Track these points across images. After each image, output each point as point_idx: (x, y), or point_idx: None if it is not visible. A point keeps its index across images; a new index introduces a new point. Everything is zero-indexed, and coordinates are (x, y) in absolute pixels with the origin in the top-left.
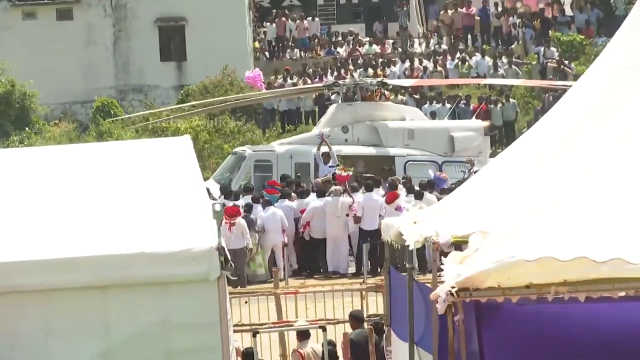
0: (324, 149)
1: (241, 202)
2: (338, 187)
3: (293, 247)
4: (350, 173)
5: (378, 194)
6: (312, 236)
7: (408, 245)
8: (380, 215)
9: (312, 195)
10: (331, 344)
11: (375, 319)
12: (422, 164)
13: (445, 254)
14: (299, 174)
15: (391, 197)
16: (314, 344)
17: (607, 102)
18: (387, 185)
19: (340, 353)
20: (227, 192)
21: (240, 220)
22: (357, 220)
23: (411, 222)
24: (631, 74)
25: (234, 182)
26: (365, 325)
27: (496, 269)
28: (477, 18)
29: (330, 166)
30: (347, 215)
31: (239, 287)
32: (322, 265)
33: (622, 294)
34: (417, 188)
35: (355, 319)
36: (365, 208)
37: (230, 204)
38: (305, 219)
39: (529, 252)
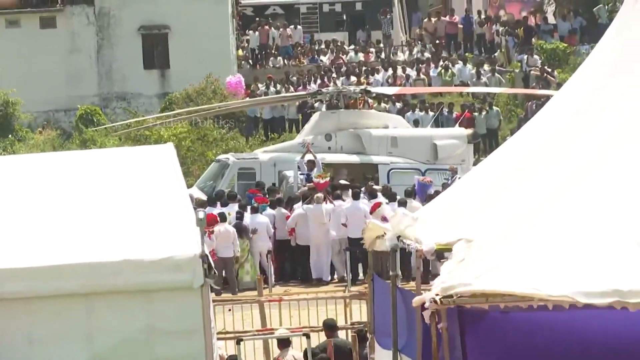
0: (309, 157)
1: (226, 209)
2: (319, 195)
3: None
4: (328, 179)
5: (364, 202)
6: (297, 243)
7: (392, 252)
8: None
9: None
10: (324, 351)
11: (359, 327)
12: (405, 171)
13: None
14: (273, 183)
15: (374, 207)
16: (295, 352)
17: (591, 109)
18: (367, 194)
19: None
20: (212, 199)
21: (228, 228)
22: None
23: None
24: (614, 81)
25: (217, 189)
26: (349, 332)
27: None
28: (460, 26)
29: (307, 174)
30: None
31: (230, 294)
32: (305, 273)
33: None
34: (399, 196)
35: (329, 327)
36: (350, 216)
37: (215, 211)
38: (289, 225)
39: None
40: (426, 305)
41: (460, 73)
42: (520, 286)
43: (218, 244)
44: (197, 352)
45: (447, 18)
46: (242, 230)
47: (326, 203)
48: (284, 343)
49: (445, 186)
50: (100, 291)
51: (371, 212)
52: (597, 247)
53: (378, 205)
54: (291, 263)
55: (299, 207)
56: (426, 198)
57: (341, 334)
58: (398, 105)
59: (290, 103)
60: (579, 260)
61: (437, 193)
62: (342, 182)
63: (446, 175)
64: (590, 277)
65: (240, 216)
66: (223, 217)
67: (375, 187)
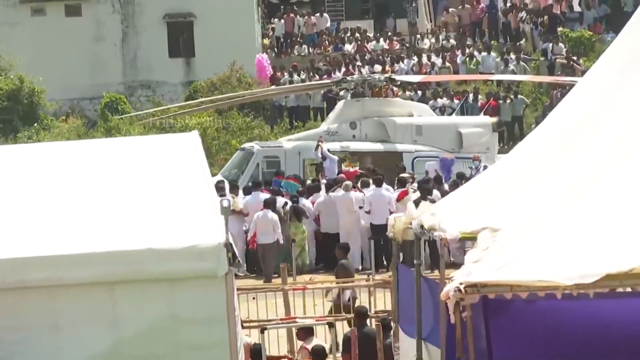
0: (323, 151)
1: (250, 198)
2: (348, 182)
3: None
4: (357, 168)
5: (388, 189)
6: (322, 231)
7: (416, 240)
8: (390, 211)
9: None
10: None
11: (383, 315)
12: (430, 159)
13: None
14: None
15: (401, 196)
16: (319, 341)
17: (614, 97)
18: (397, 182)
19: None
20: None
21: (268, 214)
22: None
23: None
24: (638, 68)
25: (241, 178)
26: (373, 321)
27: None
28: (485, 14)
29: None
30: (361, 208)
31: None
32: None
33: (629, 289)
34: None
35: (360, 315)
36: (374, 203)
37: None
38: (314, 213)
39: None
40: (450, 294)
41: (485, 61)
42: (542, 275)
43: (258, 230)
44: (221, 340)
45: (473, 6)
46: (300, 213)
47: (355, 191)
48: (307, 332)
49: (470, 176)
50: (124, 279)
51: (398, 200)
52: (621, 238)
53: (405, 193)
54: (317, 251)
55: (319, 196)
56: (450, 177)
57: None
58: (422, 93)
59: (315, 91)
60: (604, 251)
61: (463, 179)
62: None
63: (470, 164)
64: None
65: (296, 199)
66: (267, 203)
67: (403, 175)
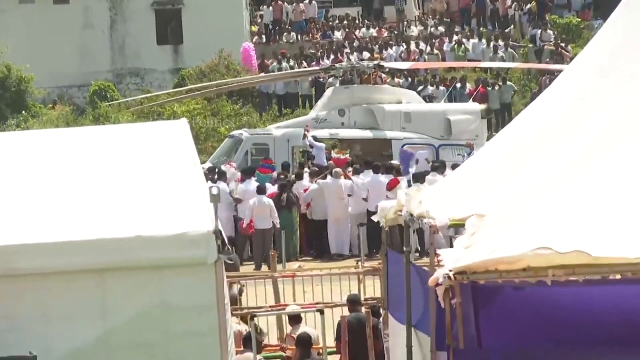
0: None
1: (243, 185)
2: (338, 169)
3: None
4: (348, 156)
5: (385, 176)
6: (312, 218)
7: (405, 228)
8: (387, 197)
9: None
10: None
11: (372, 302)
12: (418, 147)
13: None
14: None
15: (392, 184)
16: (307, 328)
17: (602, 83)
18: (385, 169)
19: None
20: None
21: (264, 200)
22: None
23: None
24: (625, 55)
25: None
26: (363, 308)
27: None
28: (474, 1)
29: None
30: (350, 196)
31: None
32: (320, 248)
33: (619, 276)
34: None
35: (353, 302)
36: (371, 189)
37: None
38: (306, 200)
39: (525, 242)
40: (439, 281)
41: (474, 48)
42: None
43: (255, 215)
44: (211, 328)
45: None
46: (292, 201)
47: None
48: (296, 319)
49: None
50: (113, 267)
51: (389, 189)
52: (611, 222)
53: (397, 181)
54: (306, 238)
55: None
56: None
57: None
58: (411, 79)
59: (303, 78)
60: (593, 235)
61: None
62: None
63: (460, 151)
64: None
65: (289, 187)
66: (260, 190)
67: (393, 162)
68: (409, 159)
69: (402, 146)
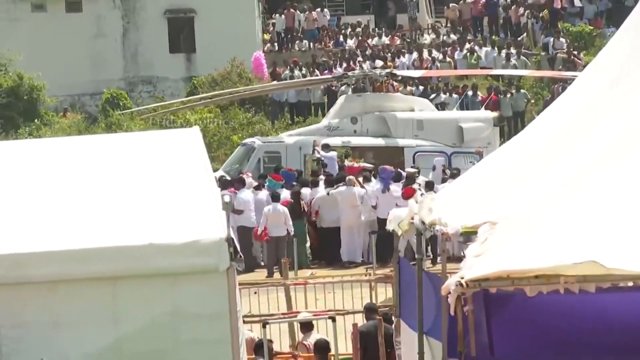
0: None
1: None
2: (351, 177)
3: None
4: (362, 164)
5: (396, 184)
6: (322, 226)
7: (418, 235)
8: (397, 205)
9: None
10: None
11: (384, 310)
12: (431, 154)
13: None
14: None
15: (408, 193)
16: (318, 335)
17: (615, 91)
18: (406, 178)
19: (349, 344)
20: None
21: (279, 207)
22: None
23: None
24: (638, 63)
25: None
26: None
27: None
28: (486, 9)
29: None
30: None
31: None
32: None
33: (631, 284)
34: (426, 179)
35: (370, 310)
36: (380, 197)
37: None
38: (314, 207)
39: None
40: (451, 288)
41: (486, 56)
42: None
43: (269, 223)
44: (223, 335)
45: (473, 1)
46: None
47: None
48: (307, 326)
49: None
50: (126, 275)
51: (404, 198)
52: (623, 230)
53: (412, 191)
54: (317, 246)
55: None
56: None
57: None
58: (422, 88)
59: (315, 87)
60: (605, 244)
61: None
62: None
63: (472, 159)
64: (616, 259)
65: (297, 195)
66: (275, 197)
67: (410, 170)
68: (389, 177)
69: (415, 153)
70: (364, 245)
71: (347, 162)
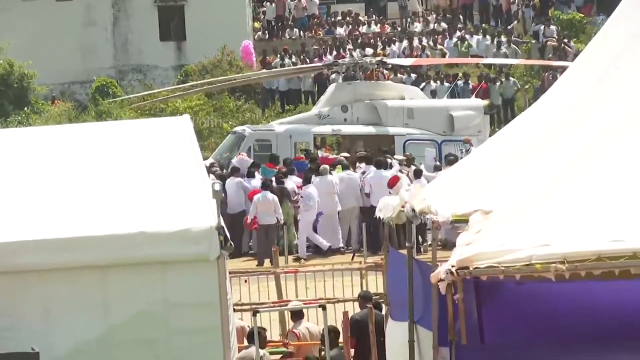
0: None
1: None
2: (326, 166)
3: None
4: (336, 156)
5: (388, 172)
6: None
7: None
8: (390, 193)
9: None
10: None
11: (375, 298)
12: (421, 143)
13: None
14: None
15: (393, 181)
16: (309, 324)
17: (607, 80)
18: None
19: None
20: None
21: (268, 196)
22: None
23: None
24: (629, 51)
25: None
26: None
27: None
28: None
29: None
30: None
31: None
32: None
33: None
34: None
35: (364, 298)
36: (374, 185)
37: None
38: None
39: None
40: (442, 276)
41: (477, 44)
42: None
43: (259, 211)
44: (213, 323)
45: None
46: (284, 195)
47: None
48: (298, 315)
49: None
50: (116, 263)
51: (390, 186)
52: (614, 218)
53: (397, 179)
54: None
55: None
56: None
57: (356, 306)
58: (413, 76)
59: (306, 75)
60: (597, 232)
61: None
62: (362, 153)
63: (461, 147)
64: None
65: (282, 181)
66: (264, 185)
67: (397, 157)
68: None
69: (405, 142)
70: (345, 232)
71: (320, 153)
